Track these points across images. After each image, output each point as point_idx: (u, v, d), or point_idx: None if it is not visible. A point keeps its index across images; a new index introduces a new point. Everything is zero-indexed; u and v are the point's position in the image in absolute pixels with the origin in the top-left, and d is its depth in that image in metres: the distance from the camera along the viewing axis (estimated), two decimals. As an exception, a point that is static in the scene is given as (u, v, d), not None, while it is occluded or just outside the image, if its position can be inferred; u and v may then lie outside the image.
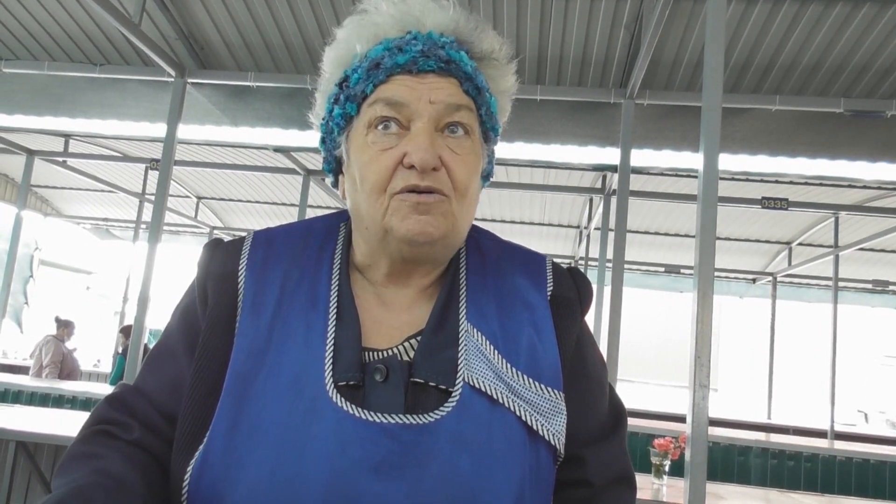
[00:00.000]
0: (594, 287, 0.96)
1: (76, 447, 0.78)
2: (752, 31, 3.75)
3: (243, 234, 0.92)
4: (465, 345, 0.78)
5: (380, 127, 0.79)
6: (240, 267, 0.83)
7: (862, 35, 3.69)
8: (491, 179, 0.92)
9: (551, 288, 0.86)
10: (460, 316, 0.81)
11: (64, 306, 14.19)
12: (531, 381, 0.78)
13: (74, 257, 20.96)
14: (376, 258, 0.83)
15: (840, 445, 6.14)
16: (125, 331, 7.20)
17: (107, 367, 9.00)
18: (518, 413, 0.75)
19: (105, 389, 6.23)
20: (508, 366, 0.78)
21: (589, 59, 4.11)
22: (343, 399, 0.73)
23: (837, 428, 7.60)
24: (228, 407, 0.74)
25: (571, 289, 0.88)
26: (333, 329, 0.78)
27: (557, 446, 0.78)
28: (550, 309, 0.84)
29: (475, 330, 0.80)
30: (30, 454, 3.58)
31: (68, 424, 3.57)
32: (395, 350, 0.78)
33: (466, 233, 0.84)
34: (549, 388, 0.79)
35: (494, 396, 0.75)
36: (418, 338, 0.80)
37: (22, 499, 3.75)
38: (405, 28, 0.82)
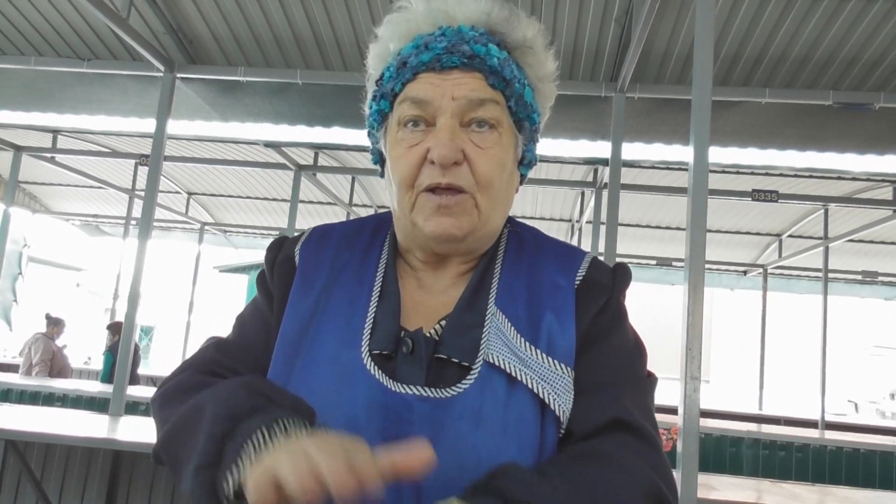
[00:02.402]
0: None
1: (189, 377, 0.85)
2: (742, 23, 3.75)
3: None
4: (489, 325, 0.82)
5: (408, 125, 0.83)
6: (296, 249, 0.92)
7: (850, 27, 3.70)
8: (534, 165, 0.94)
9: (583, 274, 0.88)
10: (489, 299, 0.84)
11: (54, 303, 14.11)
12: (544, 356, 0.80)
13: (64, 254, 20.86)
14: (411, 247, 0.89)
15: (830, 435, 6.19)
16: (112, 327, 7.17)
17: (97, 364, 8.96)
18: (531, 386, 0.77)
19: (96, 387, 6.20)
20: (525, 342, 0.81)
21: (580, 52, 4.11)
22: (376, 367, 0.79)
23: (828, 418, 7.66)
24: (278, 370, 0.82)
25: (606, 276, 0.89)
26: (375, 305, 0.84)
27: (563, 421, 0.79)
28: (575, 291, 0.86)
29: (500, 312, 0.83)
30: (20, 453, 3.56)
31: (59, 423, 3.55)
32: (431, 331, 0.82)
33: (500, 223, 0.88)
34: (561, 365, 0.80)
35: (510, 371, 0.77)
36: None
37: (12, 498, 3.73)
38: (436, 23, 0.85)
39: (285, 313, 0.86)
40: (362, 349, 0.80)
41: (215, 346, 0.90)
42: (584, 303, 0.85)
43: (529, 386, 0.77)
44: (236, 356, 0.88)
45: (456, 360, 0.79)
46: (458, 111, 0.81)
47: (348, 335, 0.81)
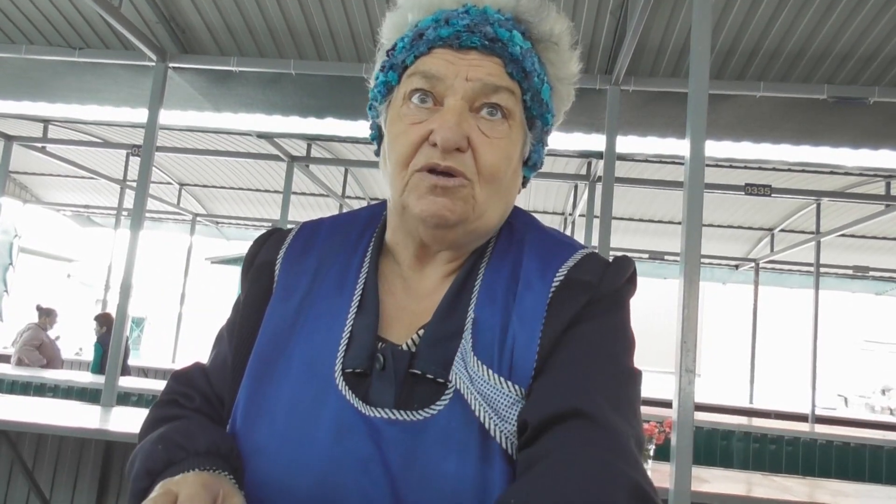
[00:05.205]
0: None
1: (152, 413, 0.83)
2: (737, 17, 3.75)
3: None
4: (466, 335, 0.74)
5: (414, 99, 0.76)
6: (278, 256, 0.85)
7: (845, 22, 3.70)
8: (539, 169, 0.88)
9: (563, 273, 0.77)
10: (470, 304, 0.76)
11: (45, 294, 14.03)
12: (490, 372, 0.71)
13: (55, 245, 20.75)
14: (402, 236, 0.82)
15: (821, 429, 6.23)
16: (100, 318, 7.15)
17: (89, 355, 8.92)
18: (473, 408, 0.69)
19: (87, 378, 6.18)
20: (474, 357, 0.72)
21: (574, 45, 4.09)
22: (347, 387, 0.72)
23: (818, 412, 7.70)
24: (248, 388, 0.77)
25: (594, 273, 0.77)
26: (353, 316, 0.78)
27: (506, 448, 0.69)
28: (552, 292, 0.76)
29: (477, 322, 0.75)
30: (12, 443, 3.55)
31: (50, 413, 3.53)
32: (409, 341, 0.76)
33: (496, 222, 0.80)
34: (508, 383, 0.71)
35: (460, 389, 0.70)
36: None
37: (3, 488, 3.72)
38: (462, 0, 0.79)
39: (261, 329, 0.80)
40: (336, 367, 0.74)
41: (174, 379, 0.87)
42: (557, 310, 0.74)
43: (472, 408, 0.69)
44: (196, 382, 0.85)
45: (431, 376, 0.72)
46: (471, 94, 0.75)
47: (324, 351, 0.75)
